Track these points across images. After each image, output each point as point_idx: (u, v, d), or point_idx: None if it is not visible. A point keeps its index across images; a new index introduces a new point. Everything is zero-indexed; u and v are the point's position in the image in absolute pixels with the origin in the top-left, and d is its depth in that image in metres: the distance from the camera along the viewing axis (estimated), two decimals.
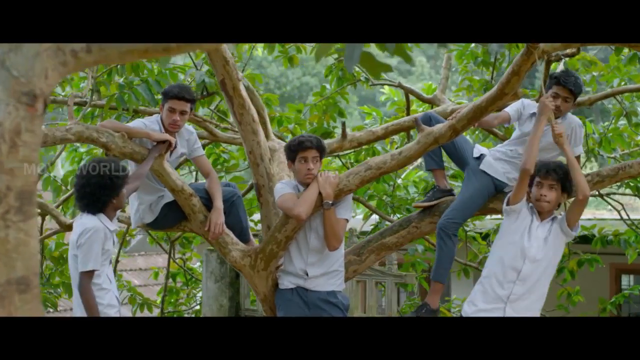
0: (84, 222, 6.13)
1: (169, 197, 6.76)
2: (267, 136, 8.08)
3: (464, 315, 6.25)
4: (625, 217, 9.68)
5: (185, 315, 10.63)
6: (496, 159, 6.80)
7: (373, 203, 9.69)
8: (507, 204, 6.23)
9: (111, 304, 6.08)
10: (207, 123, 8.86)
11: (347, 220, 6.56)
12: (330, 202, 6.36)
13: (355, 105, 27.97)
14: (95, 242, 6.01)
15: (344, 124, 8.31)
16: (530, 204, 6.24)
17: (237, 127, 7.07)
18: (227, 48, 6.77)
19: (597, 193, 9.72)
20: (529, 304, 6.11)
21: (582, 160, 9.22)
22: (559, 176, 6.13)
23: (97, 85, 8.65)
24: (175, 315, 10.58)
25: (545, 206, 6.17)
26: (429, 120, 6.82)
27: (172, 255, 10.52)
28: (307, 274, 6.54)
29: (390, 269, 8.69)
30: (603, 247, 10.04)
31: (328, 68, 9.86)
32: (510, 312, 6.08)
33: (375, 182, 9.66)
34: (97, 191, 6.13)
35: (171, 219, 6.89)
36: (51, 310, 9.99)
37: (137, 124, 6.70)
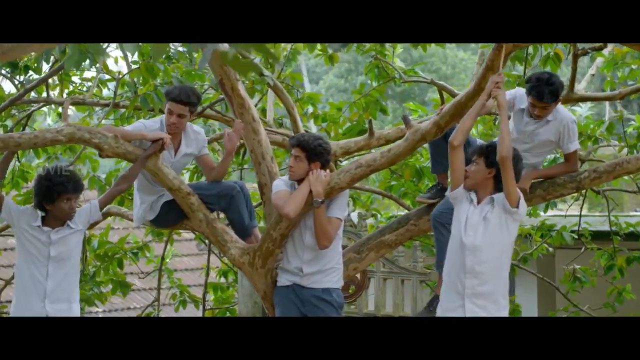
0: None
1: (168, 195, 6.87)
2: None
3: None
4: None
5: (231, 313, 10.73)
6: None
7: (407, 201, 9.64)
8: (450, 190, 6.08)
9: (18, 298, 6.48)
10: None
11: (340, 219, 6.55)
12: (320, 200, 6.37)
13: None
14: None
15: (370, 122, 8.29)
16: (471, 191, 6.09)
17: None
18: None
19: (637, 189, 9.47)
20: (491, 297, 5.92)
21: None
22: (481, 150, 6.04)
23: (132, 86, 8.84)
24: (224, 313, 10.71)
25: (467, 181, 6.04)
26: None
27: (219, 253, 10.66)
28: (302, 271, 6.56)
29: (415, 266, 8.66)
30: None
31: (367, 66, 9.85)
32: (471, 308, 5.89)
33: (411, 180, 9.60)
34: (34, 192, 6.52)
35: (172, 216, 6.99)
36: (99, 309, 10.20)
37: (137, 125, 6.82)
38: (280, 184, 6.60)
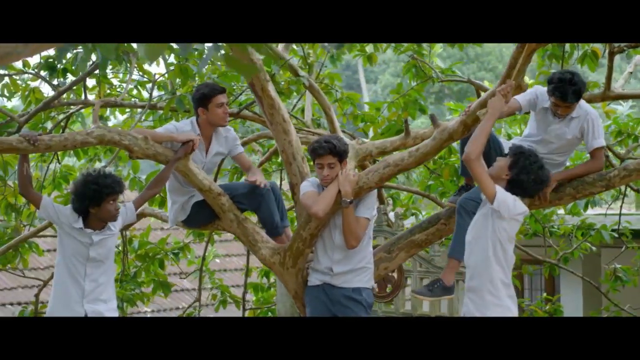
0: None
1: (199, 196, 6.92)
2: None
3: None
4: None
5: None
6: None
7: (444, 200, 9.61)
8: None
9: (56, 297, 6.54)
10: None
11: (368, 219, 6.56)
12: (349, 200, 6.38)
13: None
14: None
15: (406, 121, 8.28)
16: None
17: (269, 127, 7.19)
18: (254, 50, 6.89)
19: None
20: (477, 292, 5.97)
21: None
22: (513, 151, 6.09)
23: (168, 88, 8.93)
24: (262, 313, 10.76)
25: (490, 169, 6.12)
26: None
27: None
28: (332, 271, 6.58)
29: None
30: None
31: (405, 66, 9.85)
32: (467, 302, 6.03)
33: (450, 180, 9.58)
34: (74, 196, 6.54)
35: (203, 216, 7.04)
36: (147, 309, 10.25)
37: (167, 126, 6.89)
38: (307, 185, 6.63)
